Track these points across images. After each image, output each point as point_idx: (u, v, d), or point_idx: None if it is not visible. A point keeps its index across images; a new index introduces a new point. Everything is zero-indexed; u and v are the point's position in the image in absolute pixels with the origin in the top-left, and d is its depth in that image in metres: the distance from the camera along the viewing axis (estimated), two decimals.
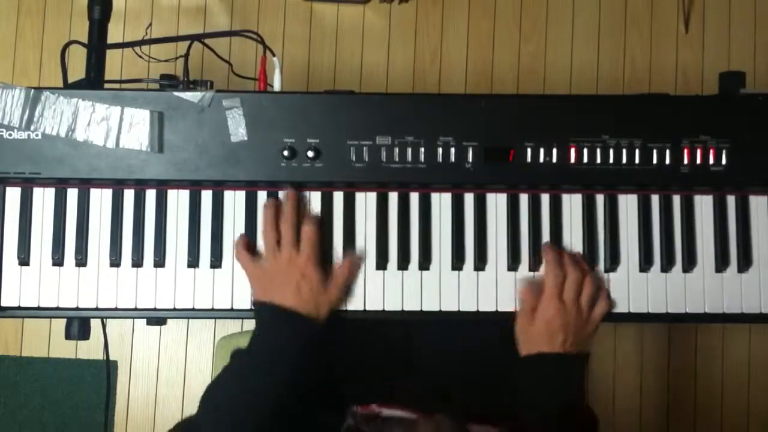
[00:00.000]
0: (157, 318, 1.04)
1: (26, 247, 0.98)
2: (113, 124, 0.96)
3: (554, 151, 0.99)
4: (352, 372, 1.09)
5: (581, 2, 1.97)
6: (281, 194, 0.99)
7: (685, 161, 0.99)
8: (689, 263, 1.01)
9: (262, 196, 1.00)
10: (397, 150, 0.98)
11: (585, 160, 0.99)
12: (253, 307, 0.97)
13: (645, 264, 1.01)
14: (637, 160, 0.99)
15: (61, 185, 0.99)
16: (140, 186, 0.99)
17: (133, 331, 1.85)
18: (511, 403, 0.95)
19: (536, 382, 0.94)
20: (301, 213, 0.98)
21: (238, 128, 0.97)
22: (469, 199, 1.01)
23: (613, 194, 1.02)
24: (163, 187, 1.00)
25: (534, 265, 1.00)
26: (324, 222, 0.99)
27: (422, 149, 0.98)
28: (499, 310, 1.00)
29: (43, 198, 0.99)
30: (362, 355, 1.11)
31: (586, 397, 0.96)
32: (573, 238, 1.01)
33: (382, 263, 1.00)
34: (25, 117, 0.96)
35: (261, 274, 0.95)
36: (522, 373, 0.95)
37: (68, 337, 1.03)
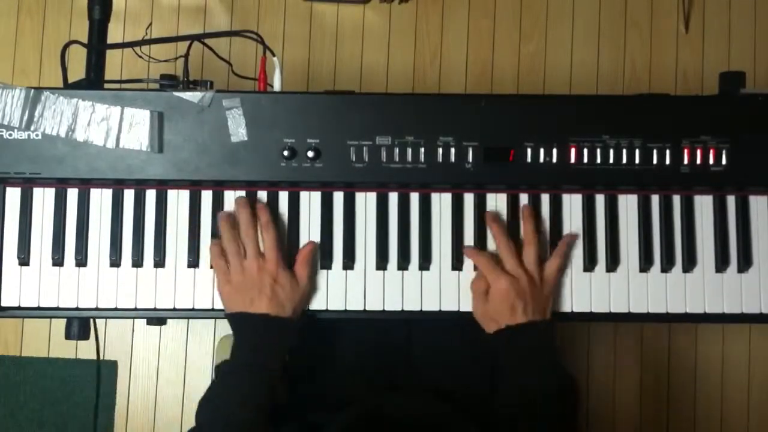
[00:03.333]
0: (157, 318, 1.04)
1: (26, 247, 0.98)
2: (113, 124, 0.96)
3: (554, 151, 0.99)
4: (353, 372, 1.09)
5: (581, 2, 1.96)
6: (233, 205, 0.99)
7: (685, 161, 0.99)
8: (689, 263, 1.01)
9: (262, 196, 1.00)
10: (397, 150, 0.98)
11: (585, 160, 0.99)
12: (228, 319, 0.96)
13: (645, 264, 1.01)
14: (637, 160, 0.99)
15: (61, 185, 0.99)
16: (140, 186, 0.99)
17: (133, 331, 1.85)
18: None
19: (507, 354, 0.94)
20: (258, 219, 0.97)
21: (238, 128, 0.97)
22: (469, 199, 1.01)
23: (613, 194, 1.02)
24: (163, 187, 1.00)
25: None
26: (323, 222, 1.00)
27: (422, 149, 0.98)
28: None
29: (43, 198, 0.99)
30: (363, 355, 1.11)
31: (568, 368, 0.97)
32: None
33: (382, 263, 1.00)
34: (25, 117, 0.96)
35: (232, 286, 0.95)
36: (492, 349, 0.95)
37: (68, 337, 1.03)
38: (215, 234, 0.99)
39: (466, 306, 0.99)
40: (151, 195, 1.00)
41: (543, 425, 0.91)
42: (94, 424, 1.79)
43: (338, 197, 1.01)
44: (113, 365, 1.84)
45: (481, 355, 1.12)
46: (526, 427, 0.91)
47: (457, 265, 1.00)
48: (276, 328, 0.93)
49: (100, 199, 1.00)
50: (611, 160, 0.99)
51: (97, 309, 0.99)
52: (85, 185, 0.99)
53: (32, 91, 0.96)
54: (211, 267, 0.98)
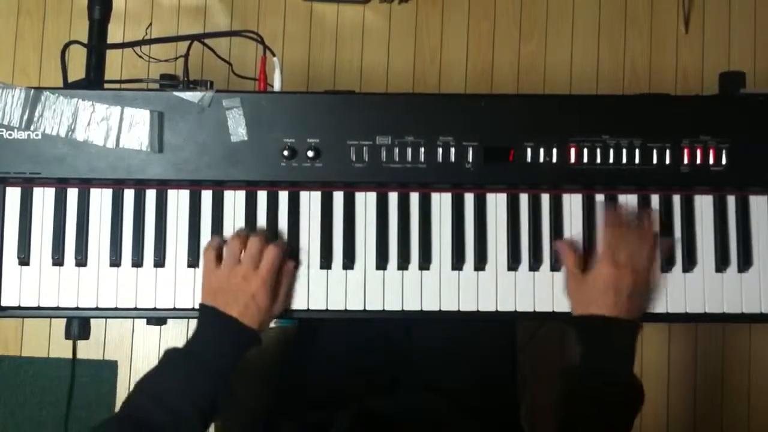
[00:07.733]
0: (157, 318, 1.04)
1: (26, 247, 0.98)
2: (113, 124, 0.96)
3: (554, 151, 0.99)
4: (353, 371, 1.09)
5: (581, 2, 1.97)
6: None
7: (685, 161, 0.99)
8: (689, 263, 1.01)
9: (262, 196, 1.00)
10: (397, 150, 0.98)
11: (585, 160, 0.99)
12: (200, 308, 0.94)
13: None
14: (637, 160, 0.99)
15: (61, 185, 0.99)
16: (140, 186, 0.99)
17: (133, 331, 1.85)
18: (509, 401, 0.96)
19: (584, 340, 0.94)
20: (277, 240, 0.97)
21: (238, 128, 0.97)
22: (469, 199, 1.01)
23: (613, 194, 1.02)
24: (163, 187, 1.00)
25: (534, 265, 1.00)
26: (323, 222, 1.00)
27: (422, 149, 0.98)
28: (499, 310, 0.99)
29: (43, 198, 0.99)
30: (363, 354, 1.11)
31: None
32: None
33: (382, 263, 1.00)
34: (25, 117, 0.96)
35: (215, 280, 0.94)
36: (574, 331, 0.95)
37: (68, 337, 1.03)
38: (215, 234, 0.99)
39: (466, 306, 0.99)
40: (151, 195, 1.00)
41: (594, 419, 0.90)
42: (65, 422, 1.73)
43: (338, 197, 1.01)
44: (113, 365, 1.84)
45: (480, 354, 1.12)
46: (578, 413, 0.91)
47: (457, 264, 1.00)
48: (240, 335, 0.92)
49: (100, 199, 1.00)
50: (611, 160, 0.99)
51: (97, 309, 0.99)
52: (85, 185, 0.99)
53: (32, 91, 0.96)
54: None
